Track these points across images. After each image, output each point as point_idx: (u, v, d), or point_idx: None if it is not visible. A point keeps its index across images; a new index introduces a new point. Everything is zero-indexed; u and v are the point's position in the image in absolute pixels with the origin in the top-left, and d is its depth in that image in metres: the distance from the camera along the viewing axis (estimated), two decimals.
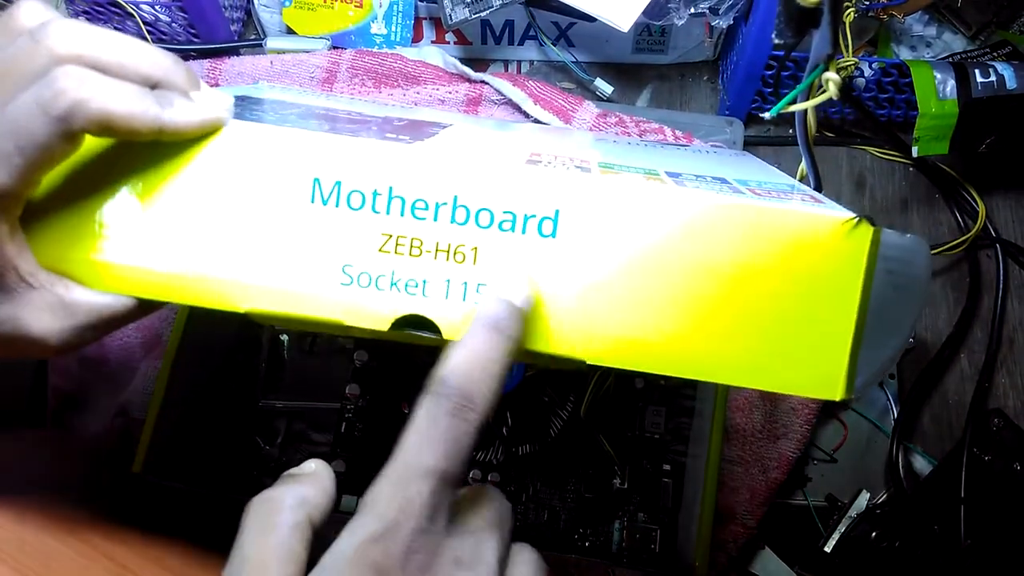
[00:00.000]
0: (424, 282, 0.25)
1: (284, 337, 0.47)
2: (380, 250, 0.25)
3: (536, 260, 0.25)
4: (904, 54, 0.58)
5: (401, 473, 0.21)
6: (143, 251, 0.26)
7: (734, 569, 0.46)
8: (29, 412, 0.49)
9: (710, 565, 0.39)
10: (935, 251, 0.55)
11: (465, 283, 0.25)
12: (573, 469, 0.45)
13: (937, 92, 0.52)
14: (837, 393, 0.24)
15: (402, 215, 0.25)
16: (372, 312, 0.25)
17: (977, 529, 0.48)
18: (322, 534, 0.22)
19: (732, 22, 0.51)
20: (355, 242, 0.25)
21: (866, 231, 0.24)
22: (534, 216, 0.25)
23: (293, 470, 0.24)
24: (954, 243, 0.55)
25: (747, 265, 0.24)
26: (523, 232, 0.25)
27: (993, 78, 0.52)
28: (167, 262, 0.26)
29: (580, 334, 0.25)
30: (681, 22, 0.50)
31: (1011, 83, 0.52)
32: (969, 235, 0.55)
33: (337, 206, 0.25)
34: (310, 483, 0.23)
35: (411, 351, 0.45)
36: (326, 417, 0.46)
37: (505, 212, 0.25)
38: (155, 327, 0.48)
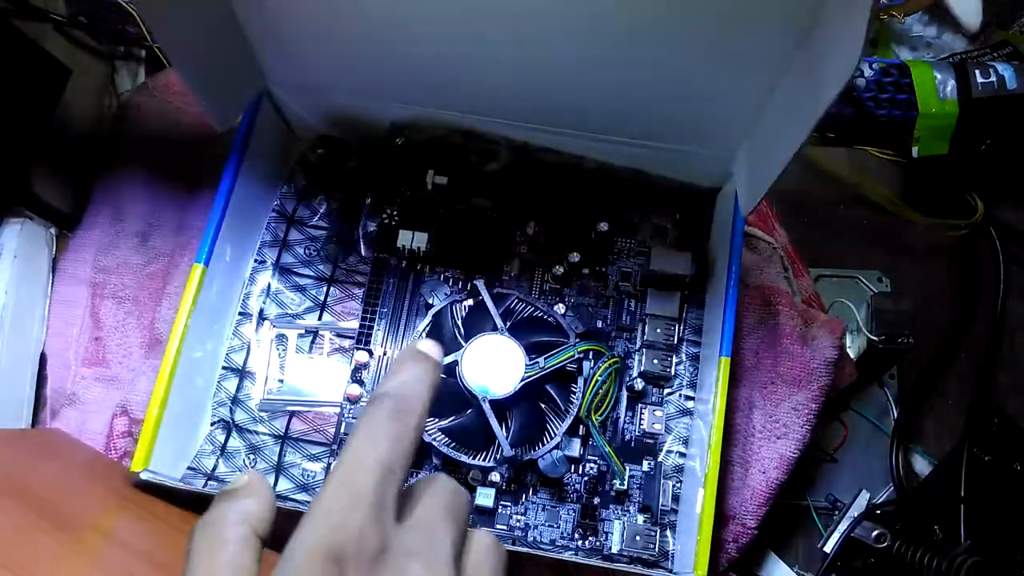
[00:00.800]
0: None
1: (285, 334, 0.47)
2: None
3: None
4: (904, 54, 0.59)
5: (347, 469, 0.22)
6: None
7: (734, 569, 0.46)
8: (29, 412, 0.49)
9: (710, 565, 0.39)
10: (936, 250, 0.55)
11: None
12: (573, 469, 0.45)
13: (937, 92, 0.52)
14: None
15: None
16: None
17: (977, 529, 0.48)
18: (268, 543, 0.22)
19: None
20: None
21: None
22: None
23: (227, 486, 0.24)
24: (955, 234, 0.55)
25: None
26: None
27: (993, 78, 0.52)
28: None
29: None
30: None
31: (1011, 83, 0.52)
32: (969, 233, 0.56)
33: None
34: (248, 496, 0.23)
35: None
36: (326, 417, 0.46)
37: None
38: (155, 327, 0.48)
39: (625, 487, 0.44)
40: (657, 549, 0.42)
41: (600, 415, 0.44)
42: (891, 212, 0.58)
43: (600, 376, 0.44)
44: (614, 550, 0.43)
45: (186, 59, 0.38)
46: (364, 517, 0.21)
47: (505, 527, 0.44)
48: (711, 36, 0.37)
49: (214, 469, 0.44)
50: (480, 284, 0.45)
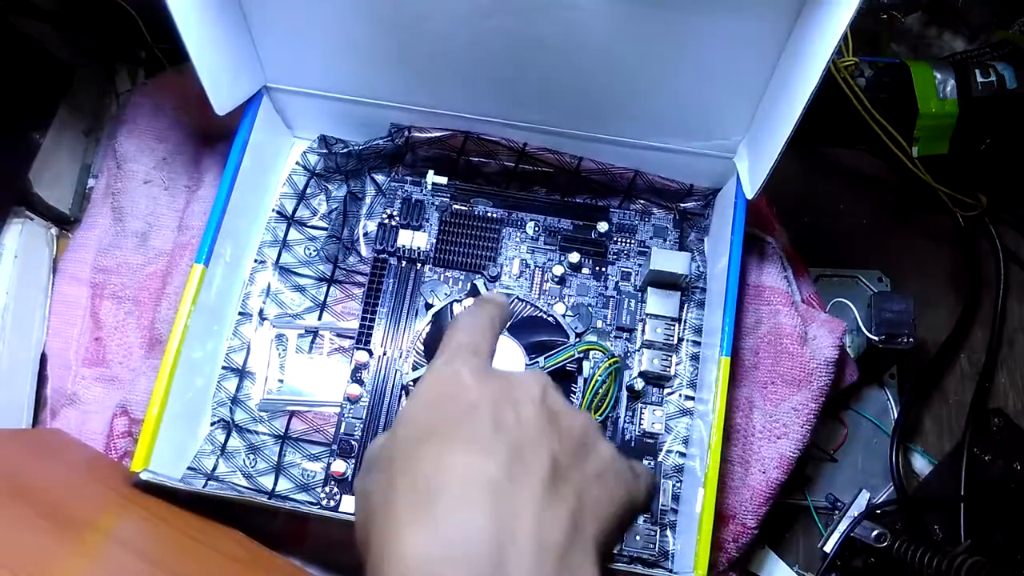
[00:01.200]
0: None
1: (285, 334, 0.47)
2: None
3: None
4: (904, 54, 0.58)
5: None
6: None
7: (734, 569, 0.46)
8: (29, 412, 0.49)
9: (710, 565, 0.39)
10: (936, 250, 0.55)
11: None
12: None
13: (937, 92, 0.52)
14: None
15: None
16: None
17: (977, 529, 0.48)
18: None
19: None
20: None
21: None
22: None
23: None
24: (955, 235, 0.55)
25: None
26: None
27: (993, 78, 0.52)
28: None
29: None
30: None
31: (1011, 83, 0.52)
32: (968, 234, 0.56)
33: None
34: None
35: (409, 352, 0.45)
36: (326, 417, 0.46)
37: None
38: (155, 327, 0.48)
39: None
40: (657, 549, 0.42)
41: (600, 415, 0.44)
42: (891, 210, 0.58)
43: (600, 376, 0.44)
44: (614, 550, 0.43)
45: (196, 41, 0.39)
46: (465, 357, 0.27)
47: None
48: (710, 27, 0.38)
49: (214, 469, 0.44)
50: (480, 284, 0.45)
